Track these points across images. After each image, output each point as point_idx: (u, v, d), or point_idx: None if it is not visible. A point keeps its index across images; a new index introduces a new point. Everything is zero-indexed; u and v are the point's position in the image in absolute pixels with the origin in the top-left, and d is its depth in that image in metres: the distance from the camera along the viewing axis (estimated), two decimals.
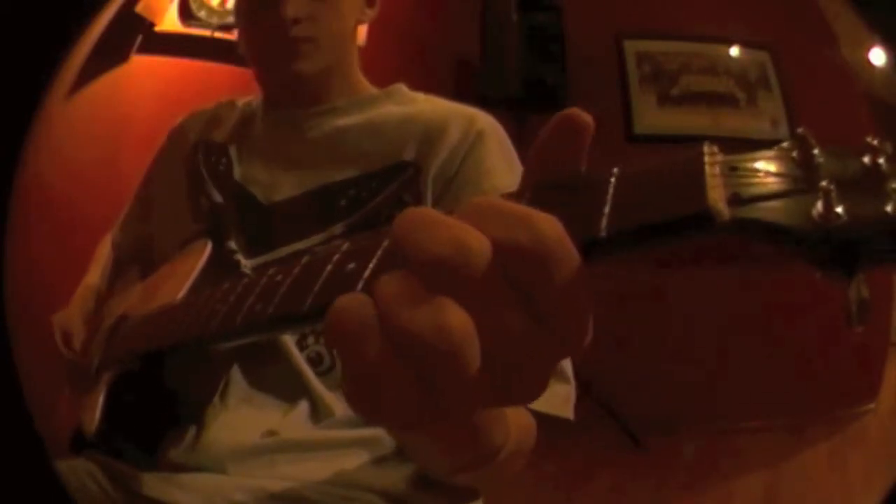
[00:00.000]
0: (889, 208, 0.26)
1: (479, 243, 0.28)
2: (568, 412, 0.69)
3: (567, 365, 0.70)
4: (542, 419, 0.65)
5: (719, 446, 2.11)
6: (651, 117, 2.32)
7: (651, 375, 2.15)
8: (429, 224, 0.28)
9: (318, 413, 0.71)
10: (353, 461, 0.70)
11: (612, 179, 0.31)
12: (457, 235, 0.28)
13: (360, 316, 0.28)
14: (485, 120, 0.77)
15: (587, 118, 0.33)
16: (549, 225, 0.28)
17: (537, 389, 0.30)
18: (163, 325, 0.62)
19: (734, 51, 2.32)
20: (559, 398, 0.69)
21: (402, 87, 0.84)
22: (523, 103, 2.08)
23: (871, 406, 2.21)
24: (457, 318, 0.27)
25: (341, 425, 0.71)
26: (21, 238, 0.79)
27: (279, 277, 0.40)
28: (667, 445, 2.10)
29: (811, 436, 2.13)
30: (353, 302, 0.29)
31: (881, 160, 0.28)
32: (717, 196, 0.28)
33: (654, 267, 2.17)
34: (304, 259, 0.39)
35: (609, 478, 1.99)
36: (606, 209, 0.30)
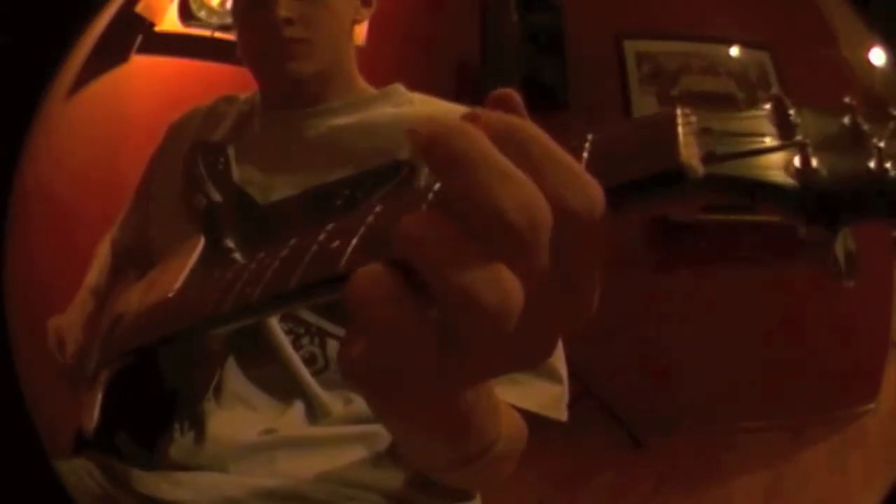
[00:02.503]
0: (872, 164, 0.26)
1: (546, 215, 0.27)
2: (560, 413, 0.69)
3: (560, 365, 0.70)
4: (538, 419, 0.65)
5: (719, 446, 2.11)
6: None
7: (651, 376, 2.15)
8: (499, 175, 0.26)
9: (315, 412, 0.71)
10: (352, 458, 0.70)
11: (587, 145, 0.31)
12: (529, 201, 0.26)
13: (388, 278, 0.27)
14: None
15: (516, 98, 0.33)
16: (599, 192, 0.28)
17: (543, 355, 0.30)
18: (157, 319, 0.63)
19: (734, 51, 2.32)
20: (551, 399, 0.69)
21: (399, 88, 0.84)
22: (523, 103, 2.08)
23: (871, 406, 2.21)
24: (514, 285, 0.26)
25: (339, 422, 0.71)
26: (21, 238, 0.79)
27: (267, 261, 0.40)
28: (667, 445, 2.10)
29: (811, 436, 2.13)
30: (377, 269, 0.28)
31: (861, 120, 0.28)
32: (690, 153, 0.28)
33: (653, 269, 2.17)
34: (292, 241, 0.40)
35: (609, 478, 1.99)
36: None
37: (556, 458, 1.74)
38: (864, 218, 0.26)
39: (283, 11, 0.76)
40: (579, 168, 0.28)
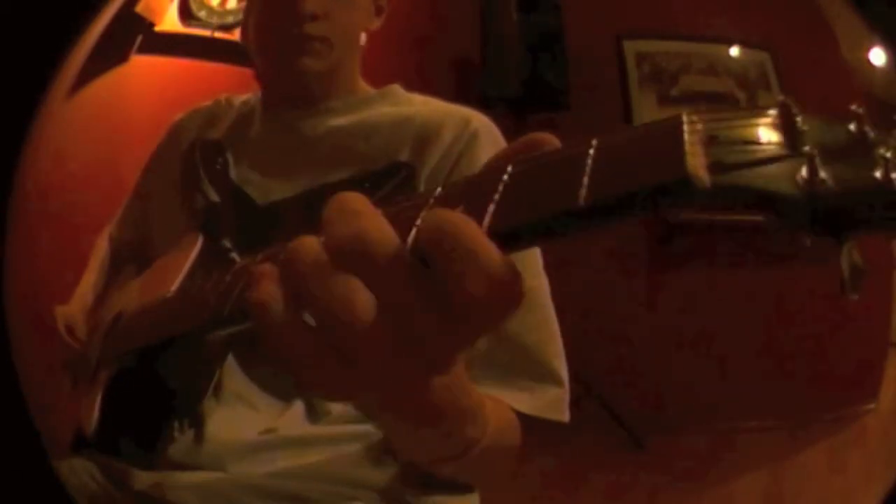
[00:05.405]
0: (878, 174, 0.26)
1: (380, 235, 0.31)
2: (561, 415, 0.69)
3: (561, 367, 0.70)
4: (539, 421, 0.65)
5: (719, 446, 2.11)
6: (651, 117, 2.29)
7: (652, 375, 2.15)
8: (346, 212, 0.33)
9: (315, 412, 0.72)
10: (350, 457, 0.70)
11: (591, 151, 0.31)
12: (363, 227, 0.31)
13: (270, 283, 0.33)
14: (480, 121, 0.77)
15: (555, 141, 0.35)
16: (470, 227, 0.30)
17: (447, 364, 0.33)
18: (156, 319, 0.63)
19: (734, 51, 2.32)
20: (552, 401, 0.69)
21: (397, 88, 0.84)
22: (523, 103, 2.08)
23: (871, 406, 2.21)
24: (361, 295, 0.30)
25: (339, 421, 0.71)
26: (21, 237, 0.79)
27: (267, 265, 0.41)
28: (667, 445, 2.10)
29: (811, 436, 2.13)
30: (265, 270, 0.33)
31: (867, 128, 0.27)
32: (697, 163, 0.28)
33: (652, 270, 2.17)
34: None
35: (608, 478, 1.99)
36: (585, 179, 0.30)
37: (555, 458, 1.74)
38: (869, 230, 0.26)
39: (309, 6, 0.75)
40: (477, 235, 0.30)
